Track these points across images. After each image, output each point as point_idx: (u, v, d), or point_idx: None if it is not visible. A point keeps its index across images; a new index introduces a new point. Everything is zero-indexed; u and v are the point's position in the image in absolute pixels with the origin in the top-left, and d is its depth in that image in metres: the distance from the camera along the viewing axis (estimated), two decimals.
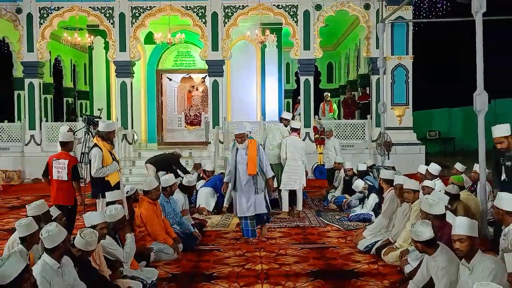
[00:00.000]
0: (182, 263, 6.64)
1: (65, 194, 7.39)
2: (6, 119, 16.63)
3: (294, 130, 9.90)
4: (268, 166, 7.72)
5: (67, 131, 10.04)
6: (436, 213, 5.26)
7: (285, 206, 9.58)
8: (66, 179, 7.34)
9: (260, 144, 7.94)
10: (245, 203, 7.56)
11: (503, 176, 6.27)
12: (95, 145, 7.11)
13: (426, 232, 4.49)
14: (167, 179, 7.85)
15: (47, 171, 7.61)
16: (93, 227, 5.15)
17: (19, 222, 4.74)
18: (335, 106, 18.27)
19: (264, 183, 7.68)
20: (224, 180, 8.03)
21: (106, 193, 6.64)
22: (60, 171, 7.34)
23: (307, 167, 10.21)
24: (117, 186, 7.08)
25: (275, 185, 9.98)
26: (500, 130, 6.22)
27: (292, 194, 9.74)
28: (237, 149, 7.66)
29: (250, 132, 9.50)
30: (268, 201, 7.85)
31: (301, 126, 12.86)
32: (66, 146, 7.64)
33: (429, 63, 23.77)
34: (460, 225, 4.14)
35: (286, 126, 10.06)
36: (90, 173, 7.16)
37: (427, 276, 4.65)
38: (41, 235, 4.26)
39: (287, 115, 10.45)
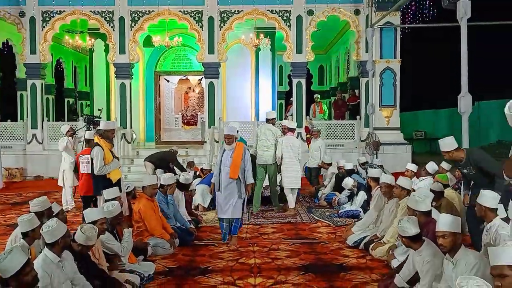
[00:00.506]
0: (178, 257, 6.71)
1: (90, 186, 7.83)
2: (9, 119, 16.82)
3: (290, 130, 10.02)
4: (249, 172, 7.46)
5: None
6: (422, 210, 5.31)
7: (292, 203, 9.72)
8: (91, 172, 7.62)
9: (247, 149, 7.67)
10: (224, 205, 7.40)
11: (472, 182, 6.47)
12: (97, 144, 7.34)
13: (412, 228, 4.56)
14: (168, 178, 7.91)
15: (77, 167, 8.24)
16: (93, 222, 5.20)
17: (21, 217, 4.86)
18: (325, 107, 18.45)
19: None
20: (212, 181, 7.79)
21: (104, 191, 6.74)
22: (86, 165, 7.94)
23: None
24: (118, 183, 7.29)
25: (267, 183, 10.16)
26: (444, 146, 6.16)
27: (282, 192, 9.94)
28: (224, 150, 7.50)
29: (238, 131, 9.83)
30: (244, 207, 7.68)
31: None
32: (90, 143, 8.20)
33: (416, 66, 24.17)
34: (444, 222, 4.17)
35: (274, 125, 10.02)
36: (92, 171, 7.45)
37: (413, 270, 4.70)
38: (42, 230, 4.31)
39: (272, 115, 10.28)
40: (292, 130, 10.12)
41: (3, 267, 3.45)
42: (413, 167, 9.65)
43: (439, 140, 6.40)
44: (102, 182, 7.28)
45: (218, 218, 7.65)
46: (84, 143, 9.31)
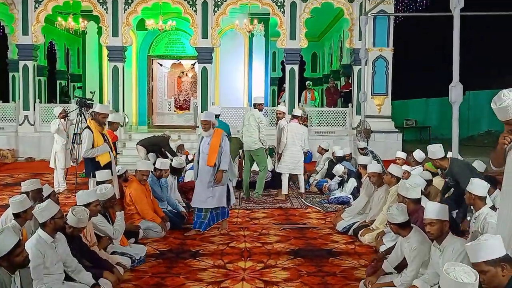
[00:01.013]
0: (170, 240, 6.73)
1: None
2: (1, 99, 16.71)
3: (294, 117, 10.03)
4: (226, 159, 7.12)
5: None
6: (412, 197, 5.38)
7: (285, 189, 9.67)
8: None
9: (226, 135, 7.37)
10: (203, 194, 7.11)
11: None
12: (87, 126, 7.45)
13: (400, 215, 4.61)
14: (164, 162, 7.87)
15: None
16: (87, 205, 5.24)
17: (13, 198, 4.87)
18: (316, 94, 18.52)
19: (229, 175, 7.28)
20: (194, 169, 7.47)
21: (96, 172, 6.81)
22: None
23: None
24: (108, 166, 7.31)
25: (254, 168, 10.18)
26: (430, 153, 6.51)
27: (278, 178, 9.86)
28: (203, 137, 7.24)
29: (219, 115, 9.53)
30: (232, 193, 7.50)
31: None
32: (111, 125, 8.76)
33: (409, 55, 24.25)
34: (431, 210, 4.19)
35: (260, 110, 9.78)
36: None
37: (400, 256, 4.73)
38: (34, 211, 4.41)
39: (259, 100, 10.00)
40: (296, 117, 10.09)
41: None
42: (403, 155, 9.79)
43: (428, 146, 6.62)
44: (91, 164, 7.35)
45: (193, 208, 7.38)
46: (52, 126, 10.12)
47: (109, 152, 7.57)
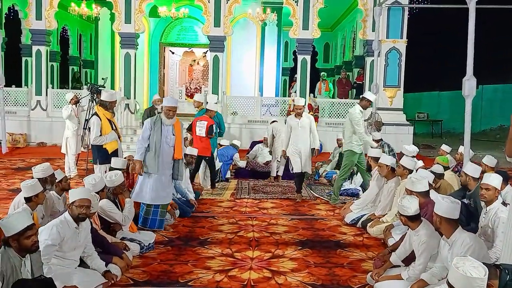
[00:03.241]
0: (178, 228, 6.79)
1: (203, 147, 8.92)
2: (13, 84, 16.73)
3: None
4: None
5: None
6: (418, 191, 5.35)
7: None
8: (204, 135, 8.94)
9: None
10: (163, 189, 6.64)
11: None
12: (95, 113, 7.57)
13: (412, 207, 4.59)
14: None
15: (191, 128, 9.35)
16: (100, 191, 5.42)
17: (25, 182, 4.91)
18: (330, 85, 18.41)
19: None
20: (136, 158, 6.55)
21: (112, 159, 6.86)
22: (201, 129, 8.95)
23: None
24: (115, 154, 7.42)
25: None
26: (468, 169, 6.11)
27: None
28: (162, 124, 6.51)
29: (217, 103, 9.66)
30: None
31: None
32: (208, 112, 9.22)
33: (422, 48, 24.07)
34: (441, 206, 4.18)
35: (365, 108, 8.83)
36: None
37: (409, 249, 4.74)
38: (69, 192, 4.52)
39: (369, 96, 8.93)
40: None
41: (8, 223, 3.51)
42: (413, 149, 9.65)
43: (470, 162, 6.43)
44: (98, 151, 7.50)
45: (147, 205, 6.59)
46: (64, 113, 10.39)
47: (116, 139, 7.68)
